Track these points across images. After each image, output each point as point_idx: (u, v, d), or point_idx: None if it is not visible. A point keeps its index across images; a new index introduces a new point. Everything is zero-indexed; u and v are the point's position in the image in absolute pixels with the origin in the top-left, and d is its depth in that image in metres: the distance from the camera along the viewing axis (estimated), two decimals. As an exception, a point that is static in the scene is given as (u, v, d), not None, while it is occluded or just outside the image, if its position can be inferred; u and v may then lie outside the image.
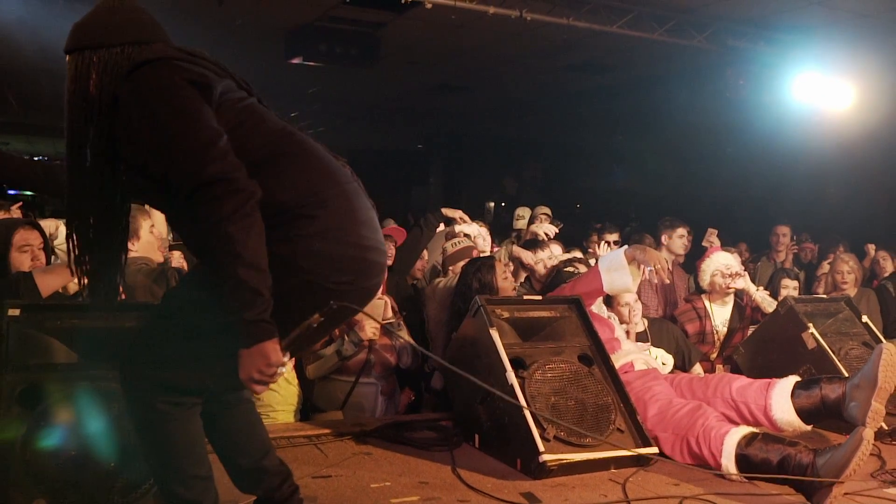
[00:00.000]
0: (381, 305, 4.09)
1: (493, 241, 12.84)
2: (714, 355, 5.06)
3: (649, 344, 4.77)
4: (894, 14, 7.31)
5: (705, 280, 5.04)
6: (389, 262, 4.90)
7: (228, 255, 1.88)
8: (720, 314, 5.06)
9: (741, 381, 3.57)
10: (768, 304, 4.89)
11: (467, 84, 12.05)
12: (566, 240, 12.60)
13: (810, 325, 4.31)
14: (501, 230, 17.68)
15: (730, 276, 4.91)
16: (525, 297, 3.82)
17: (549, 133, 17.42)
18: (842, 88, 7.95)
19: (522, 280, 5.06)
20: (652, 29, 7.43)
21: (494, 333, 3.49)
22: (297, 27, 8.73)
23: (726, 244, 11.04)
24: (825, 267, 7.24)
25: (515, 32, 8.29)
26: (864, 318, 4.60)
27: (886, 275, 6.89)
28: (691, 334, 5.02)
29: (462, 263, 4.99)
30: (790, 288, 5.72)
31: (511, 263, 4.74)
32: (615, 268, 3.88)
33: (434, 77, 11.59)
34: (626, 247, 3.94)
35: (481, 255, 6.68)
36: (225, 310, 1.91)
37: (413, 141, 19.70)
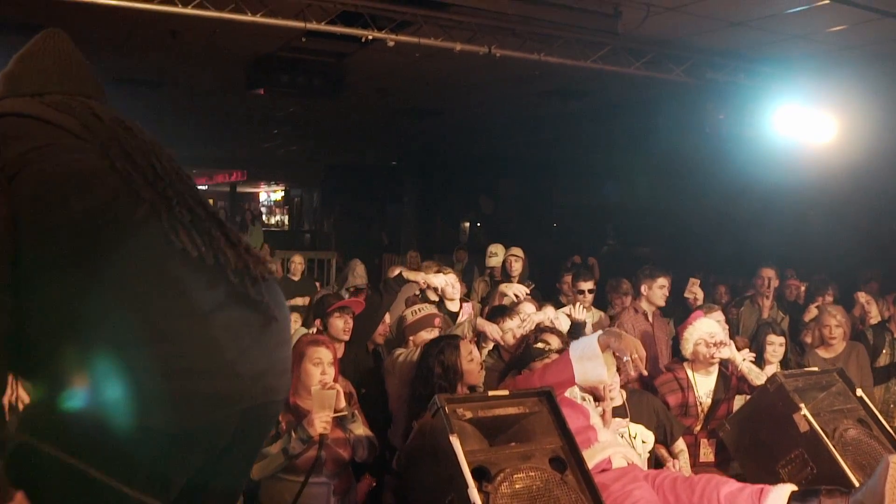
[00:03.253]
0: (332, 396, 3.69)
1: (464, 268, 12.59)
2: (698, 428, 4.71)
3: (628, 420, 4.42)
4: (876, 46, 7.04)
5: (688, 349, 4.68)
6: (346, 337, 4.51)
7: None
8: (704, 384, 4.71)
9: (730, 486, 3.23)
10: (756, 376, 4.55)
11: (439, 109, 11.68)
12: (541, 266, 12.27)
13: (802, 405, 3.98)
14: (478, 250, 17.38)
15: (714, 345, 4.56)
16: (490, 394, 3.45)
17: (524, 150, 17.07)
18: (824, 121, 7.66)
19: (490, 349, 4.69)
20: (628, 63, 7.09)
21: (455, 442, 3.10)
22: (258, 57, 8.32)
23: (707, 278, 10.84)
24: (812, 311, 6.95)
25: (486, 62, 7.94)
26: (859, 392, 4.28)
27: (872, 321, 6.60)
28: (673, 406, 4.66)
29: (423, 334, 4.63)
30: (776, 344, 5.38)
31: (476, 337, 4.35)
32: (588, 357, 3.52)
33: (404, 102, 11.22)
34: (599, 332, 3.57)
35: (449, 305, 6.44)
36: None
37: (387, 158, 19.30)
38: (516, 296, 5.14)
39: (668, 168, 12.91)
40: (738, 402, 4.74)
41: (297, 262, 9.17)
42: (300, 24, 5.68)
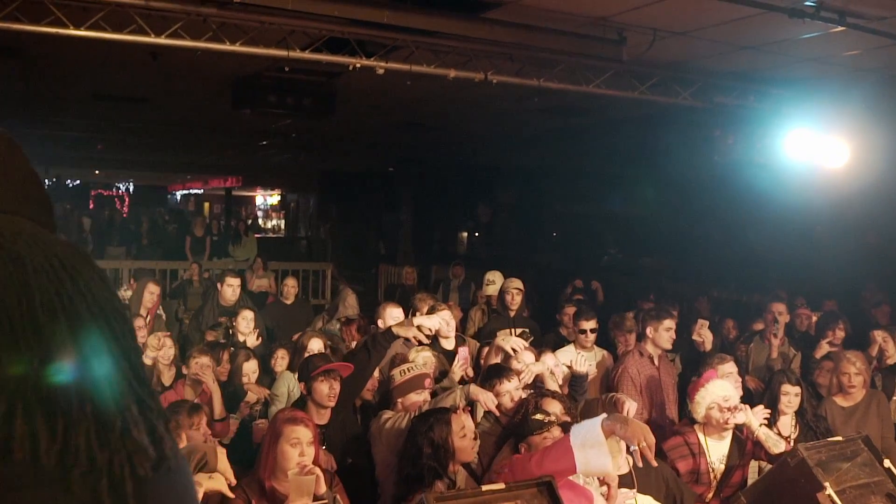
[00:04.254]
0: (311, 482, 3.33)
1: (461, 284, 12.22)
2: (710, 496, 4.36)
3: (635, 491, 4.07)
4: (888, 70, 6.70)
5: (699, 413, 4.33)
6: (332, 403, 4.15)
7: None
8: (717, 450, 4.35)
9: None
10: (774, 444, 4.20)
11: (434, 124, 11.32)
12: (541, 279, 11.91)
13: (826, 483, 3.65)
14: (475, 263, 17.04)
15: (728, 409, 4.21)
16: (484, 488, 3.11)
17: (523, 159, 16.70)
18: (836, 146, 7.30)
19: (483, 413, 4.34)
20: (633, 87, 6.73)
21: (445, 554, 2.76)
22: (244, 77, 7.95)
23: (714, 301, 10.51)
24: (824, 347, 6.61)
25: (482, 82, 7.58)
26: (887, 463, 3.94)
27: (889, 361, 6.26)
28: (683, 473, 4.31)
29: (413, 396, 4.28)
30: (791, 395, 5.02)
31: (469, 407, 4.00)
32: (590, 444, 3.17)
33: (399, 118, 10.85)
34: (603, 417, 3.21)
35: (444, 343, 6.08)
36: None
37: (383, 165, 18.91)
38: (514, 350, 4.78)
39: (672, 181, 12.60)
40: (753, 467, 4.41)
41: (290, 286, 8.78)
42: (282, 53, 5.32)
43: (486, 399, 3.99)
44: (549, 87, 6.24)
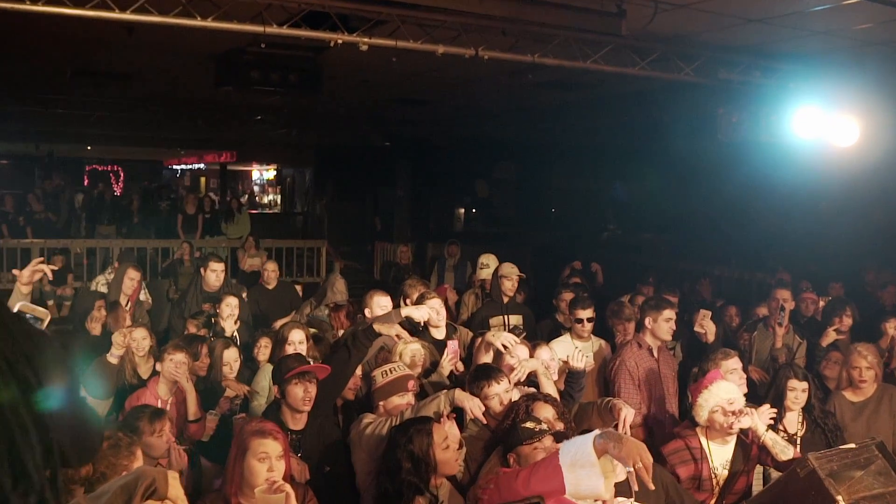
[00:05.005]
0: (280, 501, 3.06)
1: (457, 263, 11.94)
2: (712, 503, 4.09)
3: (632, 500, 3.81)
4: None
5: (702, 416, 4.04)
6: (307, 407, 3.87)
7: None
8: (720, 454, 4.08)
9: None
10: (781, 450, 3.93)
11: (427, 99, 10.96)
12: (540, 258, 11.64)
13: (840, 498, 3.38)
14: (473, 238, 16.74)
15: (733, 413, 3.93)
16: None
17: (521, 133, 16.34)
18: (845, 123, 6.96)
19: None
20: (632, 62, 6.38)
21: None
22: (226, 52, 7.59)
23: (717, 281, 10.23)
24: (830, 335, 6.31)
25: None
26: (902, 472, 3.66)
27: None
28: (684, 479, 4.04)
29: (395, 399, 4.00)
30: (798, 391, 4.75)
31: (454, 413, 3.71)
32: (581, 464, 2.89)
33: (390, 93, 10.49)
34: (596, 434, 2.92)
35: (434, 333, 5.80)
36: None
37: (379, 139, 18.50)
38: (504, 346, 4.49)
39: (675, 157, 12.27)
40: (762, 490, 4.13)
41: (271, 270, 8.46)
42: (258, 29, 4.97)
43: (471, 406, 3.71)
44: (544, 63, 5.90)
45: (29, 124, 17.37)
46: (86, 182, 28.68)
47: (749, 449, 4.11)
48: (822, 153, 7.30)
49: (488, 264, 7.86)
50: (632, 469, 2.81)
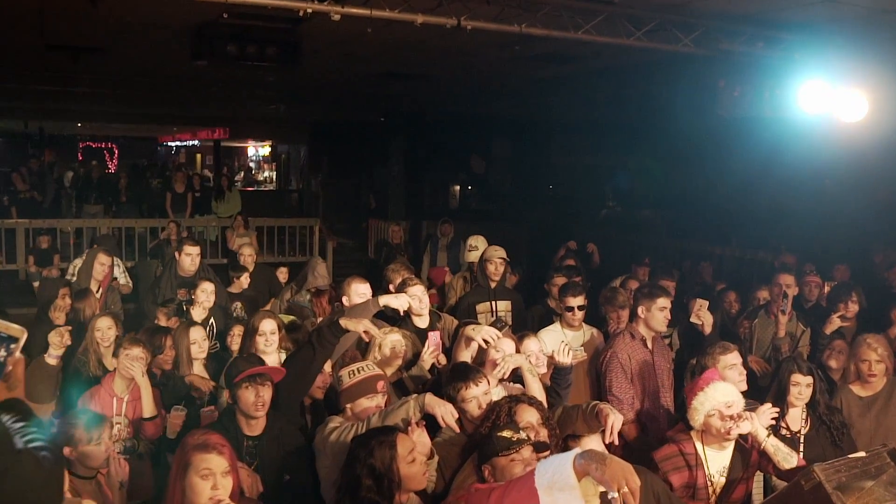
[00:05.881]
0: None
1: (450, 242, 11.59)
2: (708, 512, 3.77)
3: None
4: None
5: (697, 420, 3.71)
6: (260, 413, 3.54)
7: None
8: (717, 461, 3.75)
9: None
10: (784, 458, 3.60)
11: (417, 72, 10.53)
12: (538, 237, 11.26)
13: (847, 514, 3.06)
14: (468, 216, 16.36)
15: (731, 418, 3.59)
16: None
17: (517, 108, 15.90)
18: (853, 97, 6.57)
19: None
20: (627, 32, 5.98)
21: None
22: (200, 25, 7.18)
23: (717, 259, 9.87)
24: (835, 322, 5.95)
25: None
26: (915, 482, 3.33)
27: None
28: (677, 487, 3.71)
29: (363, 401, 3.67)
30: (802, 385, 4.42)
31: (424, 422, 3.38)
32: (559, 486, 2.54)
33: (378, 67, 10.07)
34: (576, 452, 2.58)
35: (417, 321, 5.46)
36: None
37: (373, 114, 18.06)
38: (485, 341, 4.14)
39: (674, 132, 11.87)
40: (759, 479, 3.82)
41: (247, 255, 8.10)
42: (219, -2, 4.59)
43: (443, 413, 3.36)
44: (531, 33, 5.50)
45: (13, 101, 16.96)
46: (80, 159, 28.32)
47: (748, 455, 3.78)
48: (828, 129, 6.92)
49: (477, 246, 7.49)
50: (616, 494, 2.47)
